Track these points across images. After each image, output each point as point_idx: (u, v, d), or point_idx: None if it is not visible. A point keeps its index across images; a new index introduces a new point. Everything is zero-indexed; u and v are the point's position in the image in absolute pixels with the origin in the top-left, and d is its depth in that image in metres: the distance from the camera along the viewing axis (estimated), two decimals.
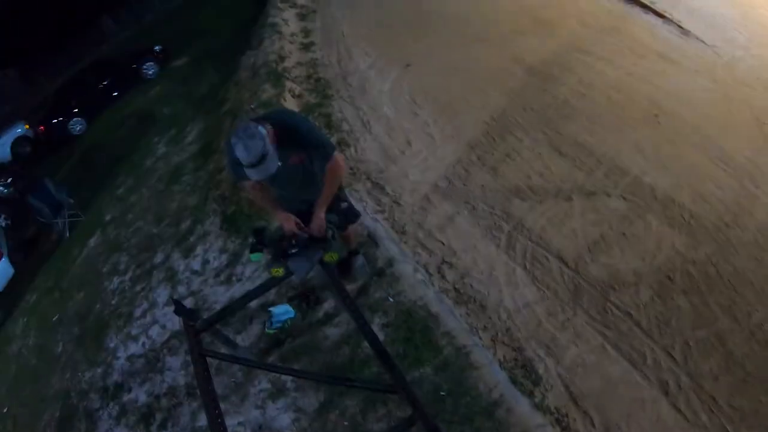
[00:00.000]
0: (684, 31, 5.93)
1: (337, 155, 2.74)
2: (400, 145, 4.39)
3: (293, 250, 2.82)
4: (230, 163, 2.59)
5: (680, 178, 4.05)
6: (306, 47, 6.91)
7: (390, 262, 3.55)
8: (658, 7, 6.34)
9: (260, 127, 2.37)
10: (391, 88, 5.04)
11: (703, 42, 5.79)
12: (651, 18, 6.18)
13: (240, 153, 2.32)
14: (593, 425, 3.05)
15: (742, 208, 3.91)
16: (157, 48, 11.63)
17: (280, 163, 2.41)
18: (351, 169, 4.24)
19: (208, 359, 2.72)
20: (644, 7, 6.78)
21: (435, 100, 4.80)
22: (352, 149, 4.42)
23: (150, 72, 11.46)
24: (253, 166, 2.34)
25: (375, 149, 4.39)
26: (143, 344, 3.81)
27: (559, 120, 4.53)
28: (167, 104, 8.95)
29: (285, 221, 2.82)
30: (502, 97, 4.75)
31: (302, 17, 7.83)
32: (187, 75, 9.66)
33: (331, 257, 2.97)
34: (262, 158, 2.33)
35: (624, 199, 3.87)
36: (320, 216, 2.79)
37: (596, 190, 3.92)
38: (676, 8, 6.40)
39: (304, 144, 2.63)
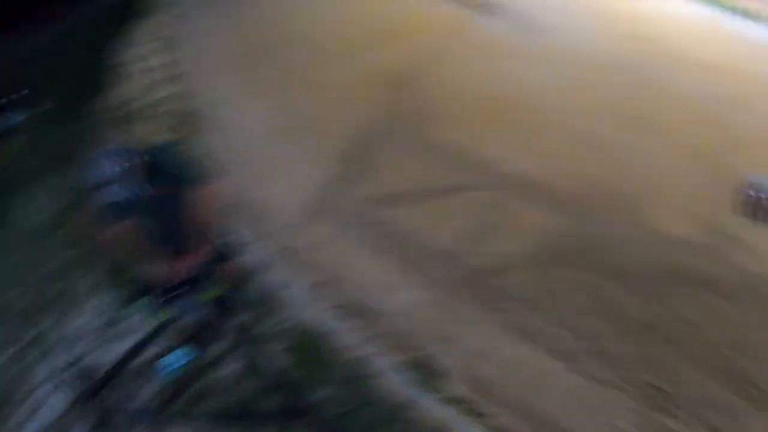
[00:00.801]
0: (530, 26, 7.98)
1: (209, 188, 3.34)
2: (268, 172, 5.42)
3: (176, 292, 3.45)
4: (97, 201, 3.11)
5: (540, 163, 5.56)
6: (169, 80, 7.99)
7: (276, 289, 4.44)
8: (503, 5, 8.35)
9: (125, 152, 3.00)
10: (252, 118, 6.15)
11: (550, 34, 7.84)
12: (498, 17, 8.14)
13: (103, 168, 2.90)
14: (505, 405, 3.94)
15: (602, 180, 5.55)
16: (21, 93, 12.00)
17: (151, 192, 3.04)
18: (225, 200, 5.45)
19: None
20: (490, 7, 8.31)
21: (300, 122, 5.98)
22: (223, 180, 5.20)
23: (12, 121, 11.63)
24: (116, 182, 2.93)
25: (245, 180, 5.37)
26: None
27: (421, 125, 5.88)
28: (30, 156, 9.29)
29: (162, 263, 3.38)
30: (365, 111, 6.04)
31: (165, 50, 9.04)
32: (50, 122, 10.16)
33: (215, 293, 3.66)
34: (126, 174, 2.92)
35: (491, 190, 5.22)
36: (198, 252, 3.40)
37: (466, 186, 5.22)
38: (522, 4, 8.45)
39: (175, 176, 3.22)
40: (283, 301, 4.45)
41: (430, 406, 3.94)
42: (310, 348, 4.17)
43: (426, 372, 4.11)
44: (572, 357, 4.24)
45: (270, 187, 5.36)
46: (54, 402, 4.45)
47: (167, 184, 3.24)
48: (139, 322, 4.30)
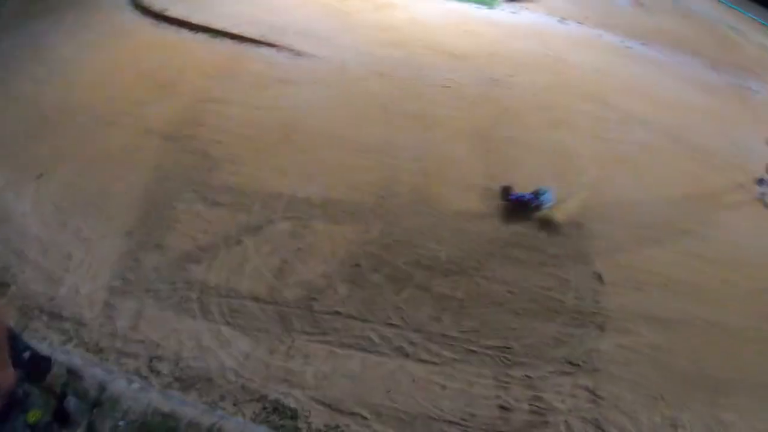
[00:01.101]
0: (296, 53, 8.88)
1: None
2: (60, 262, 5.37)
3: None
4: None
5: (327, 180, 6.24)
6: None
7: (102, 387, 4.45)
8: (269, 39, 9.17)
9: None
10: (32, 204, 6.02)
11: (315, 56, 8.82)
12: (265, 50, 8.95)
13: None
14: (365, 418, 4.41)
15: (390, 179, 6.44)
16: None
17: None
18: (19, 309, 5.02)
19: None
20: (256, 42, 9.06)
21: (80, 201, 5.97)
22: (13, 288, 5.23)
23: None
24: None
25: (37, 278, 5.28)
26: None
27: (204, 174, 6.20)
28: None
29: None
30: (144, 173, 6.22)
31: None
32: None
33: (35, 416, 3.55)
34: None
35: (287, 219, 5.73)
36: (3, 376, 3.25)
37: (260, 224, 5.65)
38: (286, 34, 9.33)
39: None
40: (116, 396, 4.44)
41: None
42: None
43: (280, 416, 4.44)
44: (415, 349, 4.87)
45: (68, 279, 5.30)
46: None
47: None
48: None
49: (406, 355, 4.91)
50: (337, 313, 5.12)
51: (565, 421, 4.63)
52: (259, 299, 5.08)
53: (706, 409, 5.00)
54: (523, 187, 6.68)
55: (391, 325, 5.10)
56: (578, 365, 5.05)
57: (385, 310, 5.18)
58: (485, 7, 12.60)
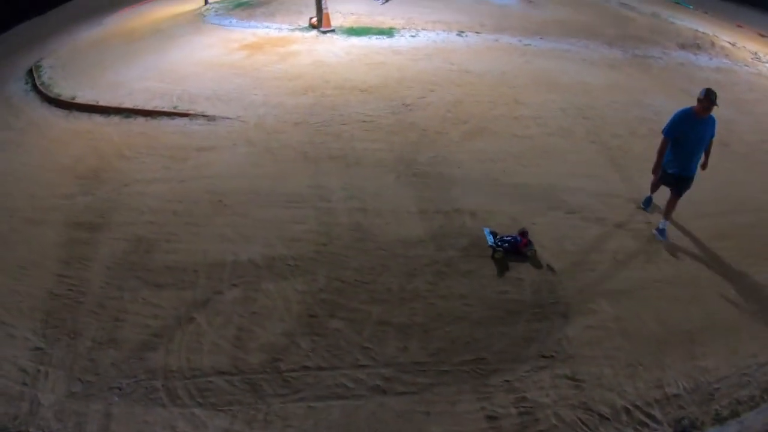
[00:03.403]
0: (210, 118, 9.09)
1: None
2: (16, 377, 5.22)
3: None
4: None
5: (267, 238, 6.31)
6: None
7: None
8: (182, 109, 9.38)
9: None
10: None
11: (229, 118, 9.04)
12: (179, 121, 9.13)
13: None
14: None
15: (328, 223, 6.60)
16: None
17: None
18: None
19: None
20: (168, 114, 9.33)
21: (24, 307, 5.87)
22: None
23: None
24: None
25: None
26: None
27: (143, 258, 6.18)
28: None
29: None
30: (83, 268, 6.19)
31: None
32: None
33: None
34: None
35: (235, 286, 5.74)
36: None
37: (209, 296, 5.65)
38: (198, 102, 9.54)
39: None
40: None
41: None
42: None
43: None
44: (391, 384, 5.03)
45: (26, 394, 5.02)
46: None
47: None
48: None
49: (384, 392, 4.96)
50: (306, 367, 5.12)
51: (555, 413, 4.78)
52: (224, 373, 5.07)
53: (685, 363, 5.29)
54: (462, 203, 7.18)
55: (361, 366, 5.16)
56: (552, 357, 5.24)
57: (352, 353, 5.23)
58: (385, 36, 13.17)
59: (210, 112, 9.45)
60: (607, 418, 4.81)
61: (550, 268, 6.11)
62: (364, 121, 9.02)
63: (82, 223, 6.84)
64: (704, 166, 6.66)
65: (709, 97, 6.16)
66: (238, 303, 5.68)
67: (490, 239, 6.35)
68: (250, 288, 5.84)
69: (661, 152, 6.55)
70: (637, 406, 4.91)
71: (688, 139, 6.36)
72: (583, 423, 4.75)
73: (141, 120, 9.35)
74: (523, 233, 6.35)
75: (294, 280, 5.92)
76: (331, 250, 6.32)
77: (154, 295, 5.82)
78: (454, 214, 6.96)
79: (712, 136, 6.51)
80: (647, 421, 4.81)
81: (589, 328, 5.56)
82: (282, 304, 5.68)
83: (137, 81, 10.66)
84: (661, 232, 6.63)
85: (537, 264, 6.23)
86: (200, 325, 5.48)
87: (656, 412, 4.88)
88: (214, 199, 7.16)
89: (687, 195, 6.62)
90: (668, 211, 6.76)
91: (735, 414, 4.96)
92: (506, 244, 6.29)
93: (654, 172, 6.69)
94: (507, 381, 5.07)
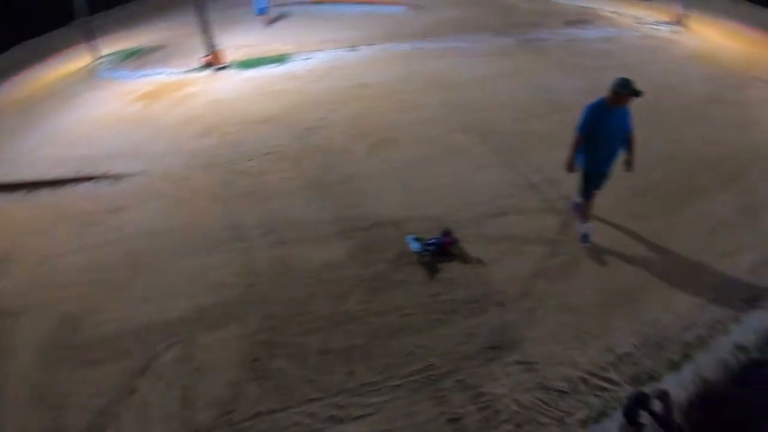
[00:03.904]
0: (116, 177, 8.85)
1: None
2: None
3: None
4: None
5: (192, 290, 6.29)
6: None
7: None
8: (85, 172, 9.05)
9: None
10: None
11: (135, 174, 8.86)
12: (85, 186, 8.83)
13: None
14: None
15: (249, 262, 6.66)
16: None
17: None
18: None
19: None
20: (73, 180, 8.98)
21: None
22: None
23: None
24: None
25: None
26: None
27: (71, 336, 6.01)
28: None
29: None
30: (13, 359, 5.89)
31: None
32: None
33: None
34: None
35: (171, 347, 5.68)
36: None
37: (146, 362, 5.55)
38: (100, 162, 9.28)
39: None
40: None
41: None
42: None
43: None
44: (346, 411, 5.04)
45: None
46: None
47: None
48: None
49: (341, 420, 4.95)
50: (258, 414, 5.05)
51: (514, 400, 4.92)
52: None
53: (630, 319, 5.60)
54: (380, 216, 7.30)
55: (312, 400, 5.13)
56: (498, 347, 5.39)
57: (301, 389, 5.21)
58: (279, 64, 13.20)
59: (115, 170, 9.19)
60: (566, 392, 4.96)
61: (480, 261, 6.16)
62: (269, 153, 9.04)
63: (1, 311, 6.54)
64: (629, 164, 6.26)
65: (624, 87, 5.68)
66: (178, 363, 5.58)
67: (414, 246, 6.43)
68: (185, 345, 5.76)
69: (573, 148, 6.09)
70: (592, 374, 5.09)
71: (603, 134, 5.90)
72: (543, 402, 4.89)
73: (46, 191, 8.98)
74: (447, 233, 6.47)
75: (228, 328, 5.88)
76: (258, 289, 6.31)
77: (91, 372, 5.62)
78: (374, 228, 7.06)
79: (629, 129, 6.05)
80: (605, 385, 5.00)
81: (529, 310, 5.78)
82: (221, 354, 5.61)
83: (37, 150, 10.36)
84: (584, 237, 6.51)
85: (466, 260, 6.30)
86: (144, 394, 5.32)
87: (612, 375, 5.08)
88: (133, 260, 7.01)
89: None
90: (589, 214, 6.60)
91: (687, 357, 5.22)
92: (432, 247, 6.37)
93: (567, 168, 6.26)
94: (459, 380, 5.14)
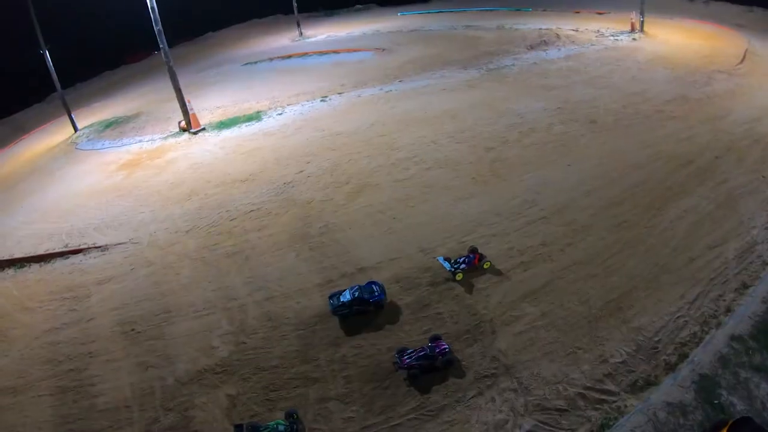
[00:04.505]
0: (104, 248, 8.93)
1: None
2: None
3: None
4: None
5: (187, 354, 6.38)
6: None
7: None
8: (73, 245, 9.16)
9: None
10: None
11: (122, 243, 8.95)
12: (73, 259, 8.87)
13: None
14: None
15: (241, 320, 6.74)
16: None
17: None
18: None
19: None
20: (61, 254, 9.07)
21: None
22: None
23: None
24: None
25: None
26: None
27: (68, 410, 6.09)
28: None
29: None
30: None
31: None
32: None
33: None
34: None
35: (170, 410, 5.80)
36: None
37: (147, 428, 5.67)
38: (87, 234, 9.40)
39: None
40: None
41: None
42: None
43: None
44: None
45: None
46: None
47: None
48: None
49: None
50: None
51: (515, 425, 5.01)
52: None
53: (620, 329, 5.64)
54: (364, 261, 7.49)
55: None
56: (493, 374, 5.45)
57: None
58: (254, 121, 13.45)
59: (102, 241, 9.25)
60: (566, 410, 4.97)
61: (470, 288, 6.32)
62: (251, 211, 9.18)
63: (1, 389, 6.58)
64: None
65: None
66: (177, 426, 5.62)
67: (446, 265, 6.75)
68: (184, 407, 5.81)
69: None
70: (588, 387, 5.11)
71: None
72: (544, 423, 4.91)
73: (35, 267, 9.03)
74: (473, 250, 6.72)
75: (225, 387, 5.91)
76: (251, 346, 6.34)
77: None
78: (359, 273, 7.14)
79: None
80: (603, 397, 5.02)
81: (520, 334, 5.87)
82: (220, 413, 5.64)
83: (23, 227, 10.42)
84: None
85: (451, 297, 6.56)
86: None
87: (609, 385, 5.10)
88: (127, 330, 7.05)
89: (573, 178, 7.36)
90: None
91: (684, 356, 5.26)
92: (463, 265, 6.62)
93: None
94: (458, 411, 5.22)
